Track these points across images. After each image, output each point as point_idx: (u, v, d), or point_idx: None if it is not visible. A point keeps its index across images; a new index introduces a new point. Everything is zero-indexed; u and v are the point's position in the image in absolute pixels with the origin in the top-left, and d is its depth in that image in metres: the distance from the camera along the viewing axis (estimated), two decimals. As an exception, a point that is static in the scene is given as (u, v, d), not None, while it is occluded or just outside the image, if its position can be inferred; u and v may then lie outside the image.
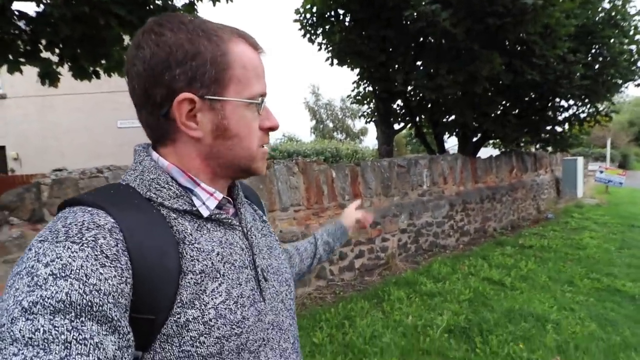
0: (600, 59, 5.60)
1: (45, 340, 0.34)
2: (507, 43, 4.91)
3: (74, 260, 0.38)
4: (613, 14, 5.49)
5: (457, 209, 5.40)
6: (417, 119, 6.99)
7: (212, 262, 0.49)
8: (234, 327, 0.48)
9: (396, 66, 5.87)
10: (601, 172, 10.42)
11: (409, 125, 7.48)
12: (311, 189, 3.64)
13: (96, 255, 0.40)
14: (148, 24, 0.49)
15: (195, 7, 3.03)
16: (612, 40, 5.39)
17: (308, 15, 5.99)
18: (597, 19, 5.39)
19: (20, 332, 0.34)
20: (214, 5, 2.92)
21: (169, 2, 2.75)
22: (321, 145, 12.60)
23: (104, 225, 0.42)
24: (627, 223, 6.43)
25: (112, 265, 0.40)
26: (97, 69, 3.14)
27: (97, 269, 0.39)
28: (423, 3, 4.04)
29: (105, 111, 9.27)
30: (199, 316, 0.45)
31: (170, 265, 0.45)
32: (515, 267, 4.11)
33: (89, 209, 0.44)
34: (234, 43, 0.50)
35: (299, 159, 3.75)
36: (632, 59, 5.66)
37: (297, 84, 64.21)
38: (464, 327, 2.73)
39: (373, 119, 7.43)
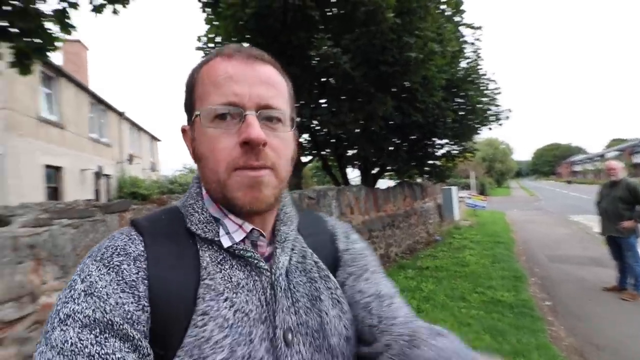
0: (463, 107, 6.91)
1: (73, 352, 0.35)
2: (395, 89, 5.62)
3: (100, 280, 0.40)
4: (469, 72, 6.92)
5: (364, 237, 5.65)
6: (323, 152, 7.30)
7: (218, 307, 0.44)
8: None
9: (302, 102, 6.08)
10: (469, 198, 12.61)
11: (316, 159, 7.74)
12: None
13: (118, 280, 0.41)
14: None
15: (67, 14, 2.52)
16: (470, 93, 6.75)
17: (211, 45, 5.78)
18: (459, 75, 6.69)
19: (55, 340, 0.36)
20: (96, 15, 2.49)
21: (31, 6, 2.23)
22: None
23: (131, 253, 0.43)
24: (493, 240, 7.76)
25: (130, 292, 0.41)
26: None
27: (117, 292, 0.40)
28: (326, 46, 4.32)
29: None
30: None
31: (186, 300, 0.43)
32: (418, 289, 4.41)
33: (132, 233, 0.46)
34: (208, 63, 0.49)
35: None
36: (485, 108, 7.16)
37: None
38: None
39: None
